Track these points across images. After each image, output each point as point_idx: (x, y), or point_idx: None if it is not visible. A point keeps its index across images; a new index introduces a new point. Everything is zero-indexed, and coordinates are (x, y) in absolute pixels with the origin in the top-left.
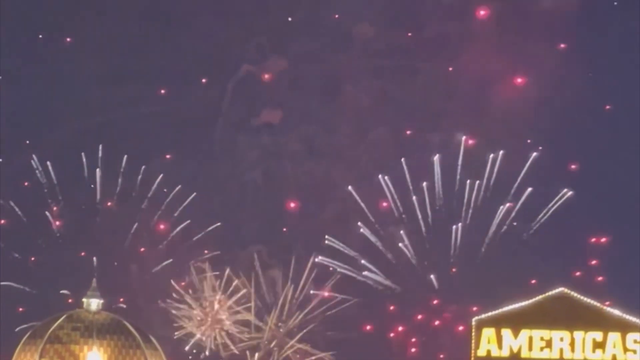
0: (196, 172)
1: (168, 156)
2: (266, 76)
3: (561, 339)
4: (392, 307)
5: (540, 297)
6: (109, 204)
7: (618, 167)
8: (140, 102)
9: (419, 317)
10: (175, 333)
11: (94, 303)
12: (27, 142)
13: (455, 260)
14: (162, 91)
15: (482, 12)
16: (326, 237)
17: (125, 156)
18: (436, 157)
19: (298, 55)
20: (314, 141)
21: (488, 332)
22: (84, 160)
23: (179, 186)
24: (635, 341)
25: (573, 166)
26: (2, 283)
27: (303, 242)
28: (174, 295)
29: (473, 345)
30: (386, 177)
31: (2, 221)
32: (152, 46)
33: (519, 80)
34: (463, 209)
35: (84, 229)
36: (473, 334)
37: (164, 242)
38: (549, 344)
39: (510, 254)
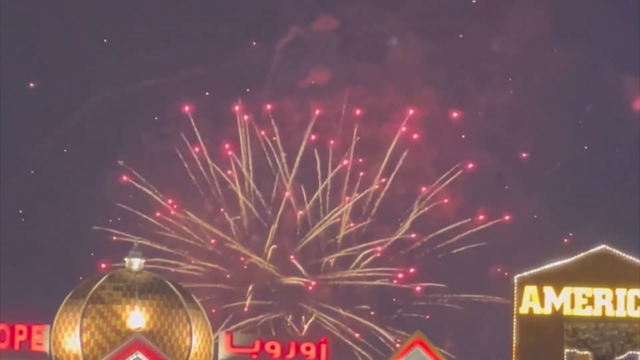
0: None
1: None
2: (314, 37)
3: (603, 297)
4: None
5: (582, 254)
6: None
7: None
8: (188, 65)
9: None
10: None
11: (135, 262)
12: None
13: None
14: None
15: None
16: None
17: None
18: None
19: (347, 17)
20: (361, 103)
21: (530, 290)
22: None
23: None
24: None
25: None
26: None
27: None
28: None
29: (515, 303)
30: None
31: None
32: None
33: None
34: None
35: None
36: (515, 291)
37: None
38: (591, 301)
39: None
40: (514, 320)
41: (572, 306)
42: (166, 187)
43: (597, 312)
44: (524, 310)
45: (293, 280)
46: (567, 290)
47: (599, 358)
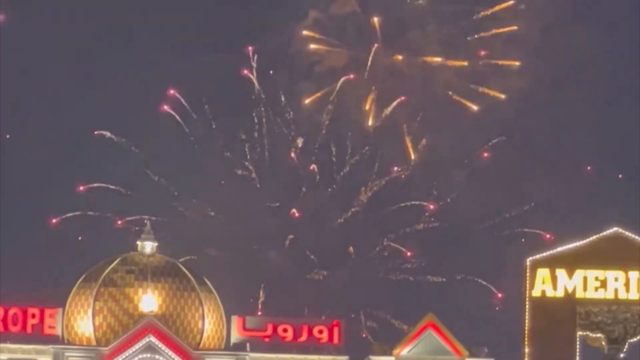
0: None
1: None
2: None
3: (616, 279)
4: None
5: (594, 237)
6: None
7: None
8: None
9: None
10: None
11: (148, 246)
12: None
13: None
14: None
15: None
16: None
17: None
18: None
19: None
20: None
21: (543, 273)
22: None
23: None
24: None
25: None
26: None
27: None
28: None
29: (527, 285)
30: None
31: None
32: None
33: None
34: None
35: None
36: (527, 274)
37: None
38: (603, 284)
39: None
40: (527, 303)
41: (585, 289)
42: None
43: (609, 295)
44: (536, 293)
45: None
46: (579, 273)
47: (611, 340)
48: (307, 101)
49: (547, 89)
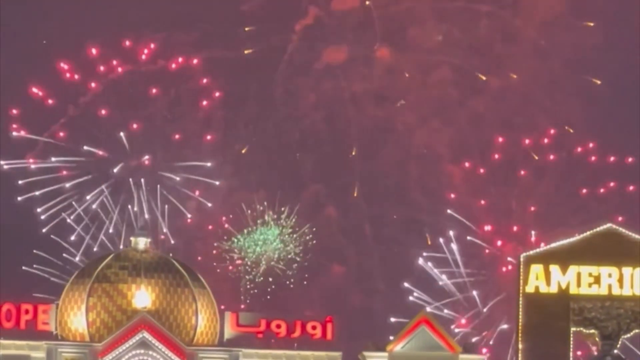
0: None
1: None
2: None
3: (609, 275)
4: None
5: (588, 233)
6: None
7: None
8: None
9: None
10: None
11: (141, 242)
12: None
13: None
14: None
15: None
16: None
17: None
18: None
19: None
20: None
21: (536, 269)
22: None
23: None
24: None
25: None
26: None
27: None
28: None
29: (521, 281)
30: None
31: None
32: None
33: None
34: None
35: None
36: (521, 270)
37: None
38: (597, 280)
39: None
40: (520, 299)
41: (579, 285)
42: None
43: (603, 291)
44: (530, 289)
45: None
46: (573, 269)
47: (605, 337)
48: None
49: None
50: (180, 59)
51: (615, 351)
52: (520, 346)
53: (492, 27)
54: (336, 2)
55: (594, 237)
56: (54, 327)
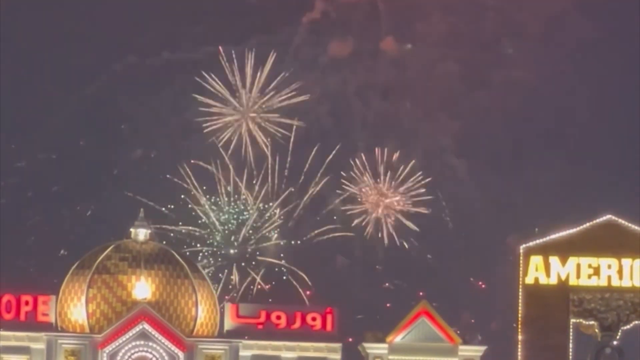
0: None
1: None
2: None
3: (609, 266)
4: None
5: (587, 224)
6: None
7: None
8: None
9: None
10: None
11: (141, 233)
12: None
13: None
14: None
15: None
16: None
17: None
18: None
19: None
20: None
21: (536, 260)
22: None
23: None
24: None
25: None
26: None
27: None
28: None
29: (521, 273)
30: None
31: None
32: None
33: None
34: None
35: None
36: (521, 261)
37: None
38: (596, 271)
39: None
40: (520, 290)
41: (578, 276)
42: None
43: (602, 282)
44: (529, 280)
45: None
46: (572, 260)
47: (604, 328)
48: None
49: (548, 78)
50: None
51: (615, 342)
52: (519, 337)
53: (498, 20)
54: None
55: (594, 229)
56: (54, 319)
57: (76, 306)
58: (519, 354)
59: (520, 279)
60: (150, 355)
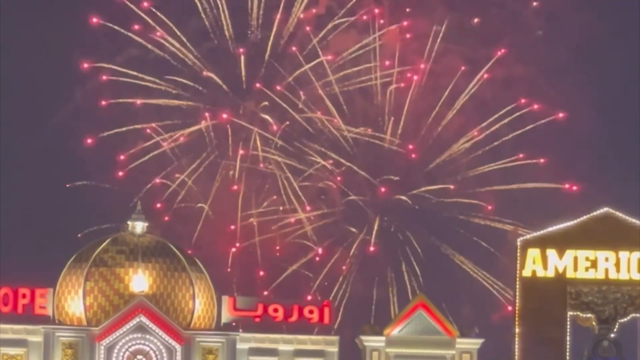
0: None
1: None
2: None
3: (606, 259)
4: None
5: (585, 217)
6: None
7: None
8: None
9: None
10: None
11: (138, 226)
12: None
13: None
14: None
15: None
16: None
17: None
18: None
19: None
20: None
21: (533, 253)
22: None
23: None
24: None
25: None
26: None
27: None
28: None
29: (518, 265)
30: None
31: None
32: None
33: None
34: None
35: None
36: (518, 254)
37: None
38: (594, 264)
39: None
40: (517, 283)
41: (575, 269)
42: None
43: (600, 275)
44: (527, 273)
45: None
46: (570, 253)
47: (602, 321)
48: None
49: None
50: None
51: (612, 335)
52: (517, 330)
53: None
54: None
55: (591, 221)
56: (51, 311)
57: (73, 299)
58: (516, 346)
59: (518, 271)
60: (147, 348)
